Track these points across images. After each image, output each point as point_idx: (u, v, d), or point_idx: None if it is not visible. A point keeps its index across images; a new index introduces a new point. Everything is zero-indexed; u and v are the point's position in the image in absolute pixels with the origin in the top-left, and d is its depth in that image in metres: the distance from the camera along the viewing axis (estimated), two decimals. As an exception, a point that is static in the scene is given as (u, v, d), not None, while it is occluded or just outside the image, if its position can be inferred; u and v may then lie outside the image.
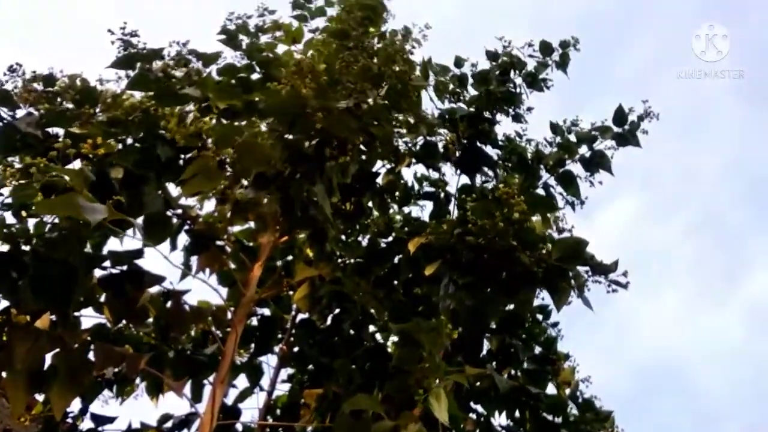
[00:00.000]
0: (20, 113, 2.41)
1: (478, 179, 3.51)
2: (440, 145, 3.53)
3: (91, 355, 2.41)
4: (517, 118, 3.61)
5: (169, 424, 3.01)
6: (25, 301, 2.30)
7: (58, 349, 2.34)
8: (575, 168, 3.48)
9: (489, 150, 3.55)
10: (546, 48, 3.60)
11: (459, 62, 3.65)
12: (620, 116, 3.44)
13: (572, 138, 3.51)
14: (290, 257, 3.21)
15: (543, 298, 2.97)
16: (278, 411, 3.15)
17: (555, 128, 3.53)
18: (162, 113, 2.56)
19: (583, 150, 3.47)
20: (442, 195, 3.50)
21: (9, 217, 2.29)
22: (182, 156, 2.63)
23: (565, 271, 2.72)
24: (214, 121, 2.67)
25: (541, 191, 3.42)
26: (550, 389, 3.04)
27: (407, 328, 2.49)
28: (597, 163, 3.45)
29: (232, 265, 2.87)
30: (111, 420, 2.87)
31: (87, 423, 2.86)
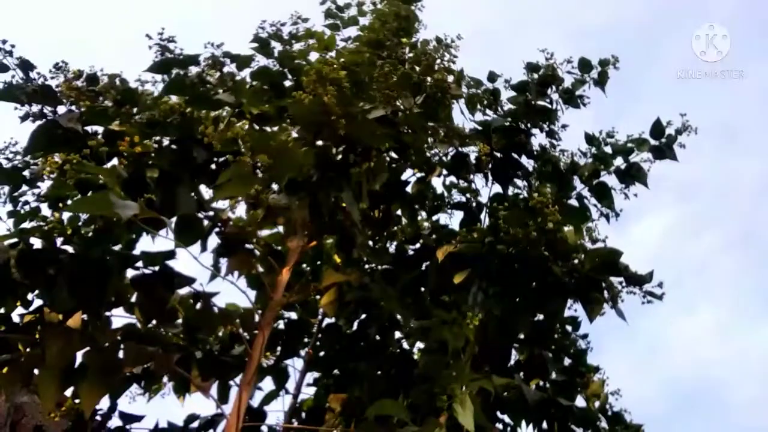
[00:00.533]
0: (62, 110, 2.47)
1: (511, 190, 3.50)
2: (472, 156, 3.52)
3: (120, 354, 2.43)
4: (551, 134, 3.58)
5: (195, 424, 3.02)
6: (61, 299, 2.34)
7: (88, 348, 2.38)
8: (610, 180, 3.45)
9: (523, 160, 3.53)
10: (585, 65, 3.57)
11: (492, 77, 3.64)
12: (657, 129, 3.40)
13: (608, 150, 3.48)
14: (318, 262, 3.22)
15: (576, 309, 2.93)
16: (303, 414, 3.14)
17: (590, 139, 3.50)
18: (198, 117, 2.60)
19: (619, 162, 3.44)
20: (473, 204, 3.48)
21: (44, 209, 2.35)
22: (216, 159, 2.67)
23: (599, 281, 2.69)
24: (247, 126, 2.71)
25: (574, 202, 3.38)
26: (579, 402, 2.99)
27: (429, 324, 2.48)
28: (633, 175, 3.41)
29: (261, 269, 2.89)
30: (139, 419, 2.90)
31: (115, 421, 2.89)
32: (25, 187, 2.46)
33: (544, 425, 2.91)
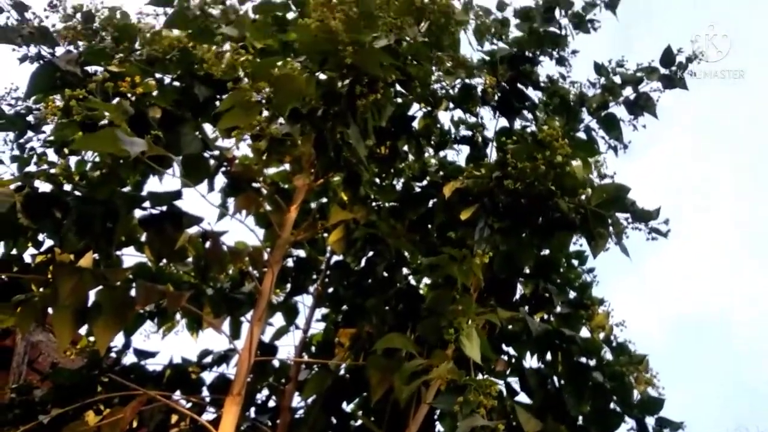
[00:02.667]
0: (59, 51, 2.42)
1: (517, 123, 3.45)
2: (479, 88, 3.46)
3: (132, 292, 2.47)
4: (561, 62, 3.50)
5: (208, 359, 3.10)
6: (69, 240, 2.36)
7: (101, 287, 2.41)
8: (618, 111, 3.40)
9: (530, 92, 3.48)
10: (595, -13, 3.46)
11: (501, 6, 3.54)
12: (668, 57, 3.32)
13: (617, 80, 3.41)
14: (325, 200, 3.23)
15: (581, 244, 2.94)
16: (313, 348, 3.21)
17: (599, 69, 3.42)
18: (200, 53, 2.55)
19: (628, 92, 3.38)
20: (480, 139, 3.44)
21: (51, 155, 2.33)
22: (219, 96, 2.63)
23: (604, 217, 2.68)
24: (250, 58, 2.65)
25: (582, 135, 3.34)
26: (584, 333, 3.03)
27: (438, 261, 2.50)
28: (642, 106, 3.36)
29: (268, 208, 2.90)
30: (153, 355, 2.97)
31: (130, 357, 2.96)
32: (30, 133, 2.45)
33: (549, 356, 2.96)
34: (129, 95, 2.27)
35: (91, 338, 2.84)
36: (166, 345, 3.14)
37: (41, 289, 2.42)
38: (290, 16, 3.03)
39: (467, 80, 3.40)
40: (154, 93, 2.44)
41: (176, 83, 2.61)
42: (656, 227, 2.74)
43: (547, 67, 3.54)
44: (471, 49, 3.47)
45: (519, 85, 3.47)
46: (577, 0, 3.48)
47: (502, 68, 3.42)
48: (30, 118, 2.42)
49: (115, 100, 2.32)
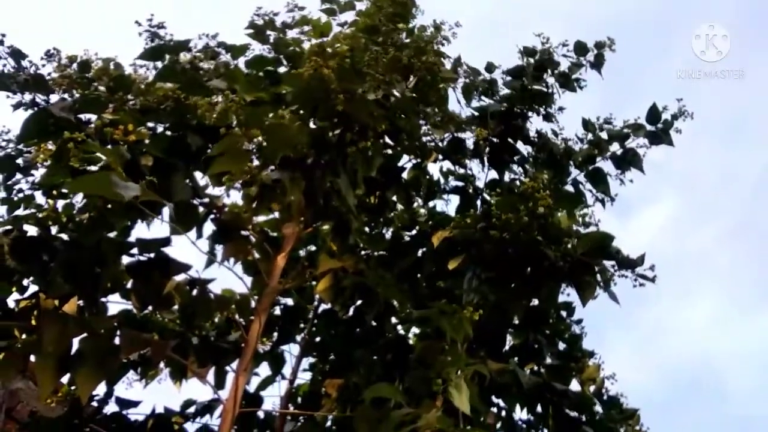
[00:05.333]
0: (54, 98, 2.46)
1: (507, 176, 3.50)
2: (470, 141, 3.52)
3: (117, 340, 2.43)
4: (548, 118, 3.59)
5: (192, 410, 3.04)
6: (55, 284, 2.35)
7: (85, 334, 2.38)
8: (606, 166, 3.46)
9: (520, 146, 3.54)
10: (581, 48, 3.57)
11: (490, 68, 3.65)
12: (654, 114, 3.40)
13: (604, 135, 3.48)
14: (314, 248, 3.23)
15: (569, 294, 2.95)
16: (299, 399, 3.16)
17: (587, 125, 3.50)
18: (193, 103, 2.59)
19: (615, 147, 3.45)
20: (470, 189, 3.48)
21: (39, 197, 2.34)
22: (211, 145, 2.66)
23: (591, 265, 2.70)
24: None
25: (570, 188, 3.39)
26: (574, 386, 3.01)
27: (428, 314, 2.49)
28: (629, 161, 3.42)
29: (257, 255, 2.89)
30: (135, 404, 2.91)
31: (112, 406, 2.90)
32: (18, 176, 2.46)
33: (539, 409, 2.93)
34: (121, 142, 2.30)
35: (73, 387, 2.78)
36: (149, 394, 3.09)
37: (24, 336, 2.38)
38: (282, 69, 3.10)
39: (456, 134, 3.46)
40: (147, 141, 2.46)
41: (169, 132, 2.63)
42: (643, 273, 2.76)
43: (537, 123, 3.62)
44: (459, 106, 3.55)
45: (509, 140, 3.53)
46: (563, 59, 3.59)
47: (492, 123, 3.48)
48: (20, 160, 2.43)
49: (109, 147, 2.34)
